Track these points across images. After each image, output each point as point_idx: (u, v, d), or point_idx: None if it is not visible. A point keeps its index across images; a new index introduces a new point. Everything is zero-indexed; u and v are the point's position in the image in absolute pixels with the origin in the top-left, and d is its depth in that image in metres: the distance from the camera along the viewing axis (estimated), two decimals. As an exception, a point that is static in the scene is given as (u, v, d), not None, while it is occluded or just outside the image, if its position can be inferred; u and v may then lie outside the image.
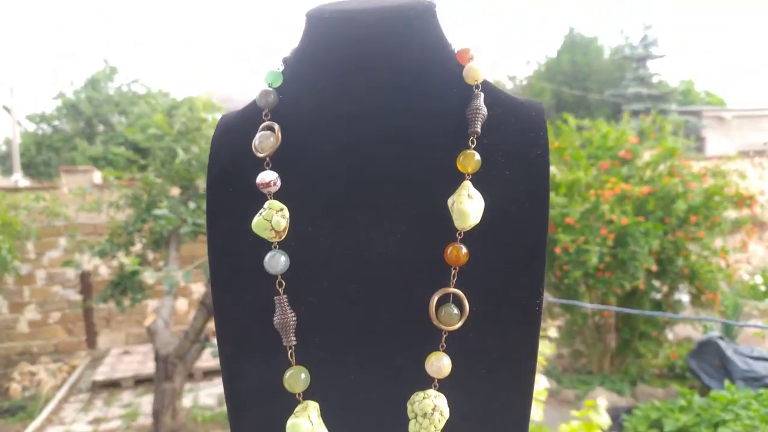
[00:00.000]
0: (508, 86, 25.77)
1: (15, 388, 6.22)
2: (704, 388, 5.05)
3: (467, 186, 0.55)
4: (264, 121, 0.60)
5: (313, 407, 0.55)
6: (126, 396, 6.08)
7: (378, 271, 0.57)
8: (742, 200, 5.53)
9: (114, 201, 5.43)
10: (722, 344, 5.25)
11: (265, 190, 0.57)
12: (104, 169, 7.75)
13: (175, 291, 5.25)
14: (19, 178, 11.19)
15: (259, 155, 0.58)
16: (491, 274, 0.56)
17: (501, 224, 0.56)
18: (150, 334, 5.12)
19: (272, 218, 0.55)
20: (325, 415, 0.56)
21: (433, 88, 0.60)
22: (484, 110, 0.57)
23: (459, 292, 0.55)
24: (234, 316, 0.58)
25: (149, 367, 6.16)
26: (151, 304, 7.15)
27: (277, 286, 0.56)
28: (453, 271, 0.55)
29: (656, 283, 5.67)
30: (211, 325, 5.18)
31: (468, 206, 0.54)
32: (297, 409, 0.55)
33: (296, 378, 0.55)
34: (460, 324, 0.54)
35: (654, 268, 5.24)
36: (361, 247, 0.57)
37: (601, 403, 2.88)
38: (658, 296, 5.75)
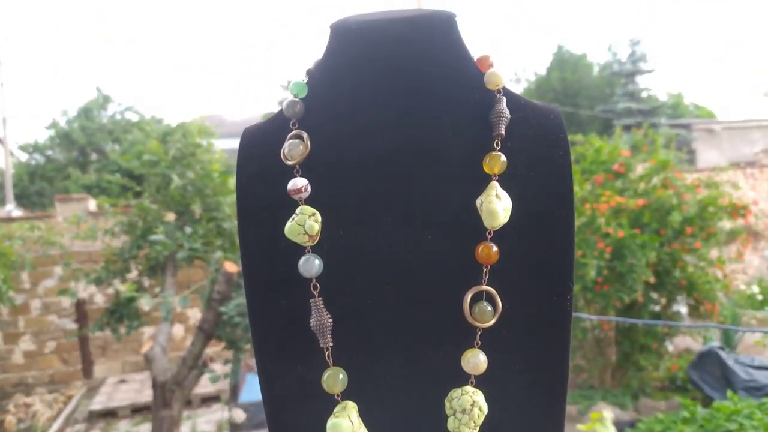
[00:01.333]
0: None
1: (10, 420, 6.12)
2: (707, 400, 5.03)
3: (495, 186, 0.57)
4: (292, 131, 0.62)
5: (352, 407, 0.56)
6: (123, 425, 5.99)
7: (411, 271, 0.58)
8: (736, 210, 5.58)
9: (109, 228, 5.40)
10: (723, 354, 5.25)
11: (296, 197, 0.58)
12: (98, 197, 7.74)
13: (172, 317, 5.22)
14: (12, 209, 11.13)
15: (289, 163, 0.60)
16: (522, 272, 0.57)
17: (529, 223, 0.58)
18: (147, 362, 5.06)
19: (305, 223, 0.56)
20: (364, 415, 0.57)
21: (456, 94, 0.61)
22: (507, 114, 0.59)
23: (491, 289, 0.56)
24: (270, 320, 0.59)
25: (146, 395, 6.08)
26: (147, 331, 7.09)
27: (312, 289, 0.57)
28: (485, 270, 0.56)
29: (654, 295, 5.68)
30: (209, 351, 5.14)
31: (497, 206, 0.55)
32: (336, 409, 0.56)
33: (334, 378, 0.56)
34: (493, 321, 0.55)
35: (652, 280, 5.26)
36: (393, 249, 0.58)
37: (607, 415, 2.86)
38: (657, 308, 5.76)
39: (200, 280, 5.95)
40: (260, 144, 0.64)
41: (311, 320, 0.56)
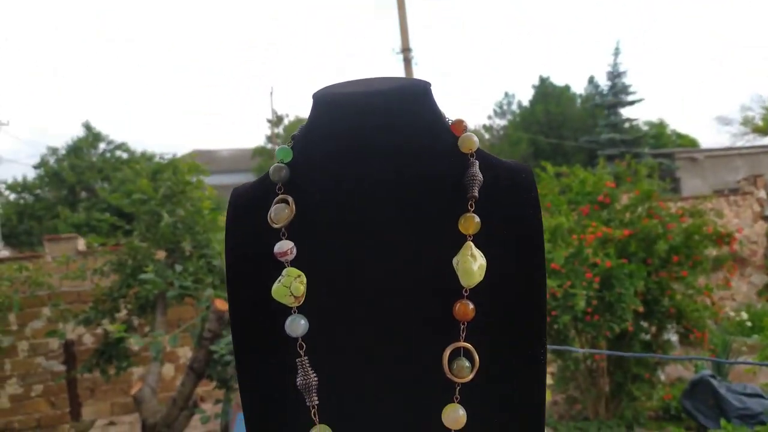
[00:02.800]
0: (486, 137, 26.41)
1: (-5, 467, 5.97)
2: (701, 429, 5.02)
3: (470, 246, 0.60)
4: (278, 195, 0.65)
5: None
6: (112, 469, 5.86)
7: (392, 328, 0.61)
8: (721, 238, 5.66)
9: (98, 267, 5.38)
10: (714, 383, 5.25)
11: (282, 259, 0.61)
12: (87, 235, 7.70)
13: (162, 356, 5.16)
14: (0, 249, 11.04)
15: (275, 226, 0.63)
16: (497, 328, 0.60)
17: (503, 280, 0.61)
18: (136, 403, 4.98)
19: (291, 284, 0.59)
20: (349, 470, 0.59)
21: (432, 158, 0.65)
22: (480, 176, 0.63)
23: (469, 345, 0.59)
24: (258, 379, 0.62)
25: (136, 438, 5.97)
26: (137, 371, 6.99)
27: (299, 348, 0.60)
28: (462, 326, 0.59)
29: (644, 324, 5.71)
30: (199, 390, 5.07)
31: (472, 265, 0.58)
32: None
33: (321, 436, 0.58)
34: (471, 376, 0.58)
35: (641, 309, 5.29)
36: (376, 307, 0.61)
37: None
38: (648, 337, 5.78)
39: (191, 318, 5.90)
40: (248, 207, 0.67)
41: (298, 379, 0.59)
